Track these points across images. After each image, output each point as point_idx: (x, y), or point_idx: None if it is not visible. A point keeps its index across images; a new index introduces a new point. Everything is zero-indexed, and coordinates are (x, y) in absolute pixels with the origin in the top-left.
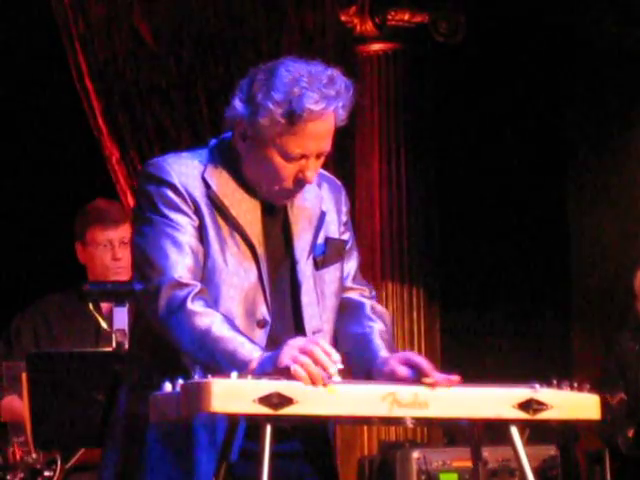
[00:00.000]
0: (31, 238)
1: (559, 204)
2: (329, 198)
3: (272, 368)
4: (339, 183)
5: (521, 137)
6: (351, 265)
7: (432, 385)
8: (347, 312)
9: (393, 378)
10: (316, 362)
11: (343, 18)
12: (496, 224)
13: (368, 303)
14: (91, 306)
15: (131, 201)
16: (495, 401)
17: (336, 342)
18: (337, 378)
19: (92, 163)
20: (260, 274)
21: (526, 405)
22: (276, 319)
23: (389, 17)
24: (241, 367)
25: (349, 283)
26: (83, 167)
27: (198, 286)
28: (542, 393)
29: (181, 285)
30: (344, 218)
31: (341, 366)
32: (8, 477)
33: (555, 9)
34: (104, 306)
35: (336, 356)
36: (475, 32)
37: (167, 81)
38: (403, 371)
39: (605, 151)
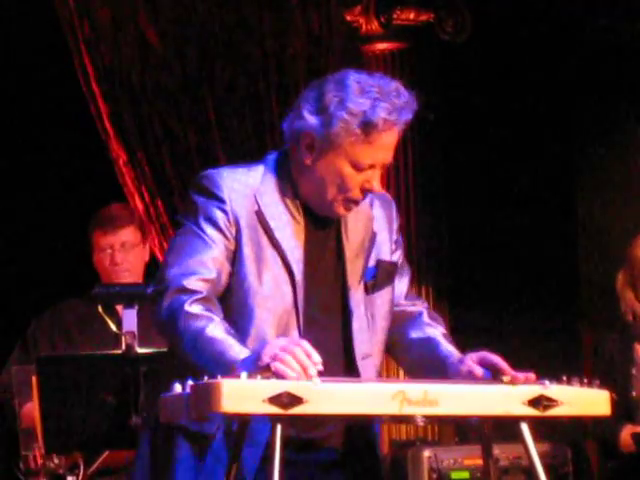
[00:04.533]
0: (41, 242)
1: (568, 201)
2: (381, 217)
3: (254, 367)
4: (389, 197)
5: (529, 134)
6: (403, 283)
7: (511, 383)
8: (406, 321)
9: (470, 377)
10: (297, 361)
11: (348, 18)
12: (505, 221)
13: (425, 311)
14: (100, 309)
15: (139, 203)
16: (505, 398)
17: (381, 364)
18: (317, 380)
19: (99, 166)
20: (296, 300)
21: (536, 402)
22: (321, 343)
23: (394, 16)
24: (226, 368)
25: (402, 301)
26: (90, 170)
27: (203, 293)
28: (552, 389)
29: (186, 290)
30: (395, 236)
31: (321, 368)
32: None
33: (561, 6)
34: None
35: (317, 358)
36: (481, 30)
37: (173, 83)
38: (480, 370)
39: (614, 147)
